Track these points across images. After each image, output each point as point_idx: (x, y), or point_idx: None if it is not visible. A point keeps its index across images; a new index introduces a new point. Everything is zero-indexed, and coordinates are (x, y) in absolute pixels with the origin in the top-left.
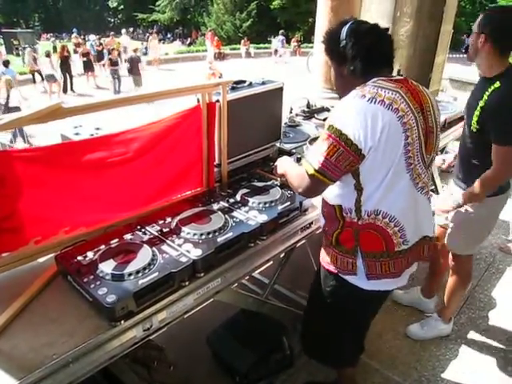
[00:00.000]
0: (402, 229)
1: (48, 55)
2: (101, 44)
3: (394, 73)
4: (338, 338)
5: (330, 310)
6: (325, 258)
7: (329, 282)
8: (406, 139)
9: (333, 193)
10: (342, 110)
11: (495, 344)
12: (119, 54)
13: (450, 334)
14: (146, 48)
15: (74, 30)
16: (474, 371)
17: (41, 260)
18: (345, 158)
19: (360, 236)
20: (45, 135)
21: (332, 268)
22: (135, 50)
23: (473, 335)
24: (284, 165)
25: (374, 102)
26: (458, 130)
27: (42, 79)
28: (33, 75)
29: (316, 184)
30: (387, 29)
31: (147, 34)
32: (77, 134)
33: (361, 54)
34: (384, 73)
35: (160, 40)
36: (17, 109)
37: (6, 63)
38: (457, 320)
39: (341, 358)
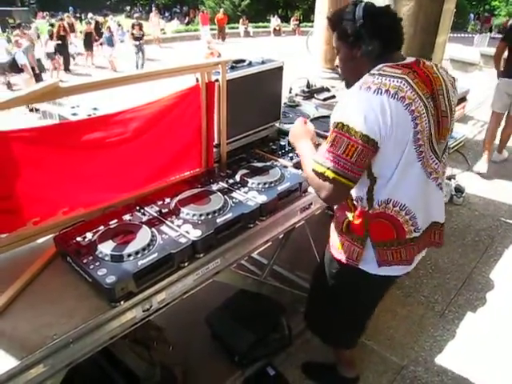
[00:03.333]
0: (413, 217)
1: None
2: (97, 22)
3: None
4: (339, 320)
5: (333, 293)
6: (332, 243)
7: (334, 265)
8: (415, 127)
9: None
10: (349, 106)
11: (492, 325)
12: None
13: (448, 315)
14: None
15: (71, 8)
16: (471, 352)
17: (40, 241)
18: (365, 155)
19: (370, 225)
20: None
21: (336, 254)
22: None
23: (470, 316)
24: (300, 148)
25: (380, 93)
26: (459, 110)
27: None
28: None
29: (339, 188)
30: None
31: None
32: (74, 114)
33: (380, 34)
34: (395, 55)
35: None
36: None
37: None
38: (454, 301)
39: (340, 339)
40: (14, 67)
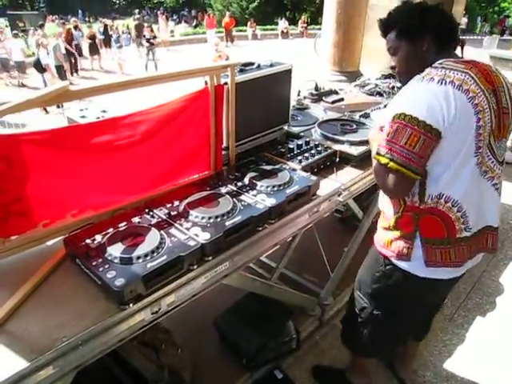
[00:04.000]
0: (464, 214)
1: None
2: (105, 25)
3: None
4: (382, 327)
5: (377, 297)
6: (379, 241)
7: (378, 266)
8: (477, 122)
9: None
10: (411, 95)
11: (501, 330)
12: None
13: (457, 319)
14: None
15: (80, 12)
16: (480, 357)
17: (49, 243)
18: (428, 145)
19: (420, 221)
20: None
21: (384, 251)
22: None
23: (479, 320)
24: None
25: (444, 84)
26: None
27: None
28: None
29: (403, 180)
30: None
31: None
32: (83, 116)
33: (438, 28)
34: (454, 53)
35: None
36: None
37: None
38: (463, 305)
39: (382, 350)
40: (38, 67)
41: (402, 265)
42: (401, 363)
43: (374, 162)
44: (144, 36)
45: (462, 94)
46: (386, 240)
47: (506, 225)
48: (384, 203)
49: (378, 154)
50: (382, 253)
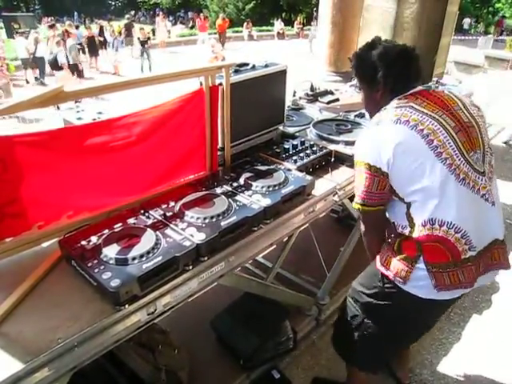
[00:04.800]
0: (465, 235)
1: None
2: (101, 27)
3: None
4: (372, 337)
5: (370, 310)
6: (381, 258)
7: (376, 281)
8: (430, 143)
9: (388, 211)
10: (362, 142)
11: (497, 328)
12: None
13: (453, 318)
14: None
15: (75, 13)
16: (476, 355)
17: (44, 245)
18: (381, 183)
19: (423, 248)
20: None
21: (383, 269)
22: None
23: (476, 319)
24: None
25: (380, 124)
26: None
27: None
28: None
29: (368, 216)
30: (414, 48)
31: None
32: (79, 118)
33: (392, 81)
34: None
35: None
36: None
37: None
38: (460, 304)
39: (370, 362)
40: (54, 65)
41: (400, 284)
42: (398, 362)
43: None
44: (138, 38)
45: (403, 126)
46: (387, 259)
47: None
48: (387, 231)
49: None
50: (381, 270)
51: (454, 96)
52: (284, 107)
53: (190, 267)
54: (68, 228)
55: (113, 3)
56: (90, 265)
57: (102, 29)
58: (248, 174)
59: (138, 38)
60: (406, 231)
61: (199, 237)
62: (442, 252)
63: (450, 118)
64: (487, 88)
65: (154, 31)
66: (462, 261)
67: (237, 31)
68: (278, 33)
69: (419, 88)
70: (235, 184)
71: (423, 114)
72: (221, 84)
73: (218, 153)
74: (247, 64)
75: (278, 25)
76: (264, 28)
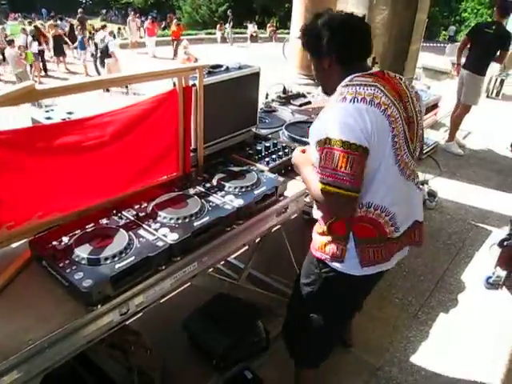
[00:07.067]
0: (392, 217)
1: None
2: (71, 25)
3: (369, 61)
4: (320, 330)
5: (311, 299)
6: (314, 245)
7: (313, 269)
8: (392, 131)
9: None
10: (330, 119)
11: (464, 326)
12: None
13: (421, 317)
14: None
15: (44, 10)
16: (443, 352)
17: (14, 245)
18: (358, 162)
19: (353, 226)
20: None
21: (319, 254)
22: (110, 33)
23: (442, 317)
24: (305, 174)
25: (356, 101)
26: (431, 117)
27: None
28: (2, 54)
29: (343, 201)
30: (363, 18)
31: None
32: (48, 118)
33: (337, 48)
34: (362, 63)
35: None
36: None
37: None
38: (427, 303)
39: (319, 354)
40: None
41: (337, 266)
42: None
43: (315, 190)
44: (98, 41)
45: (374, 109)
46: (321, 243)
47: (467, 225)
48: (318, 213)
49: (318, 180)
50: (317, 256)
51: (403, 84)
52: (257, 109)
53: (163, 267)
54: (39, 228)
55: (83, 1)
56: (61, 265)
57: (72, 27)
58: (221, 175)
59: (99, 42)
60: None
61: (172, 237)
62: (371, 230)
63: (403, 108)
64: (453, 93)
65: (119, 29)
66: (388, 239)
67: (210, 33)
68: (252, 35)
69: (376, 69)
70: (208, 185)
71: (389, 100)
72: (194, 85)
73: (191, 154)
74: (221, 66)
75: (252, 28)
76: (237, 30)
